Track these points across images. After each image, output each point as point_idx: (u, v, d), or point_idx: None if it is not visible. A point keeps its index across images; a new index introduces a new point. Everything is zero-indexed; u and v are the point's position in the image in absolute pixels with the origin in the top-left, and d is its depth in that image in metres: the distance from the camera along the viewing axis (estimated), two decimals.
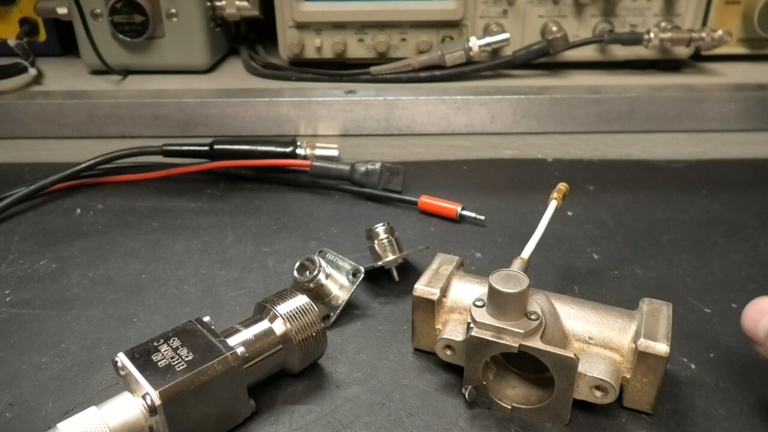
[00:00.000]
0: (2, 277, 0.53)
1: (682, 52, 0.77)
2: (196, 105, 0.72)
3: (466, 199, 0.62)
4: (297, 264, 0.49)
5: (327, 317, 0.48)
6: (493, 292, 0.38)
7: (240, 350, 0.38)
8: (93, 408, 0.35)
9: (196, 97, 0.72)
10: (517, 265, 0.43)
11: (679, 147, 0.75)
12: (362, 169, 0.66)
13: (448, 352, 0.42)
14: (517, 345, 0.37)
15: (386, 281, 0.53)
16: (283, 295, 0.43)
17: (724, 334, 0.47)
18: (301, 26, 0.76)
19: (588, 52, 0.78)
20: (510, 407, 0.40)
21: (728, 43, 0.75)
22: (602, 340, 0.40)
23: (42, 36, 0.85)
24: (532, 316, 0.38)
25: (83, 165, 0.67)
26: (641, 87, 0.74)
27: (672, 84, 0.76)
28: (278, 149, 0.68)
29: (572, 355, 0.37)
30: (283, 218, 0.62)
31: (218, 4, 0.78)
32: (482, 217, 0.61)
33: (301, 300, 0.43)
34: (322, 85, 0.76)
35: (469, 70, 0.76)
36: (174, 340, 0.39)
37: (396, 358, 0.45)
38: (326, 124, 0.73)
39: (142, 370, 0.36)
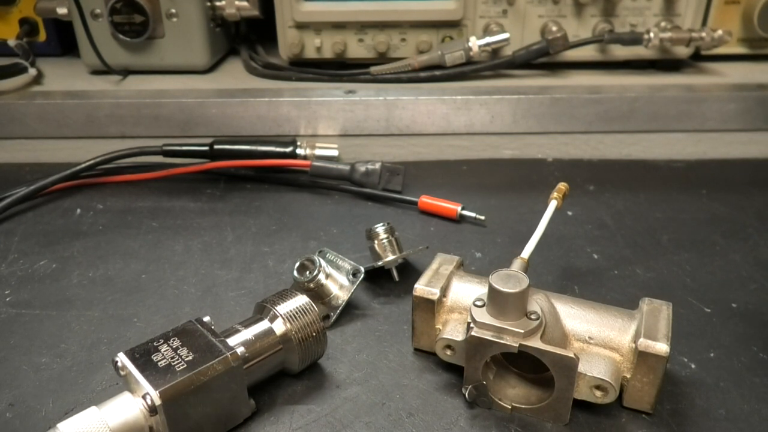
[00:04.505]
0: (2, 278, 0.53)
1: (682, 51, 0.77)
2: (196, 105, 0.72)
3: (466, 199, 0.62)
4: (297, 264, 0.49)
5: (327, 317, 0.48)
6: (493, 291, 0.38)
7: (240, 350, 0.39)
8: (93, 408, 0.35)
9: (196, 97, 0.72)
10: (517, 265, 0.43)
11: (679, 147, 0.75)
12: (362, 169, 0.66)
13: (448, 352, 0.42)
14: (517, 345, 0.37)
15: (386, 281, 0.53)
16: (283, 295, 0.43)
17: (724, 334, 0.47)
18: (301, 26, 0.76)
19: (588, 52, 0.78)
20: (510, 407, 0.40)
21: (728, 42, 0.75)
22: (602, 339, 0.40)
23: (42, 36, 0.85)
24: (532, 316, 0.38)
25: (83, 165, 0.67)
26: (641, 87, 0.74)
27: (672, 84, 0.76)
28: (278, 149, 0.68)
29: (572, 355, 0.37)
30: (283, 218, 0.62)
31: (218, 4, 0.78)
32: (482, 217, 0.61)
33: (301, 300, 0.43)
34: (322, 85, 0.76)
35: (469, 70, 0.76)
36: (174, 340, 0.39)
37: (396, 358, 0.45)
38: (326, 124, 0.73)
39: (142, 370, 0.36)
